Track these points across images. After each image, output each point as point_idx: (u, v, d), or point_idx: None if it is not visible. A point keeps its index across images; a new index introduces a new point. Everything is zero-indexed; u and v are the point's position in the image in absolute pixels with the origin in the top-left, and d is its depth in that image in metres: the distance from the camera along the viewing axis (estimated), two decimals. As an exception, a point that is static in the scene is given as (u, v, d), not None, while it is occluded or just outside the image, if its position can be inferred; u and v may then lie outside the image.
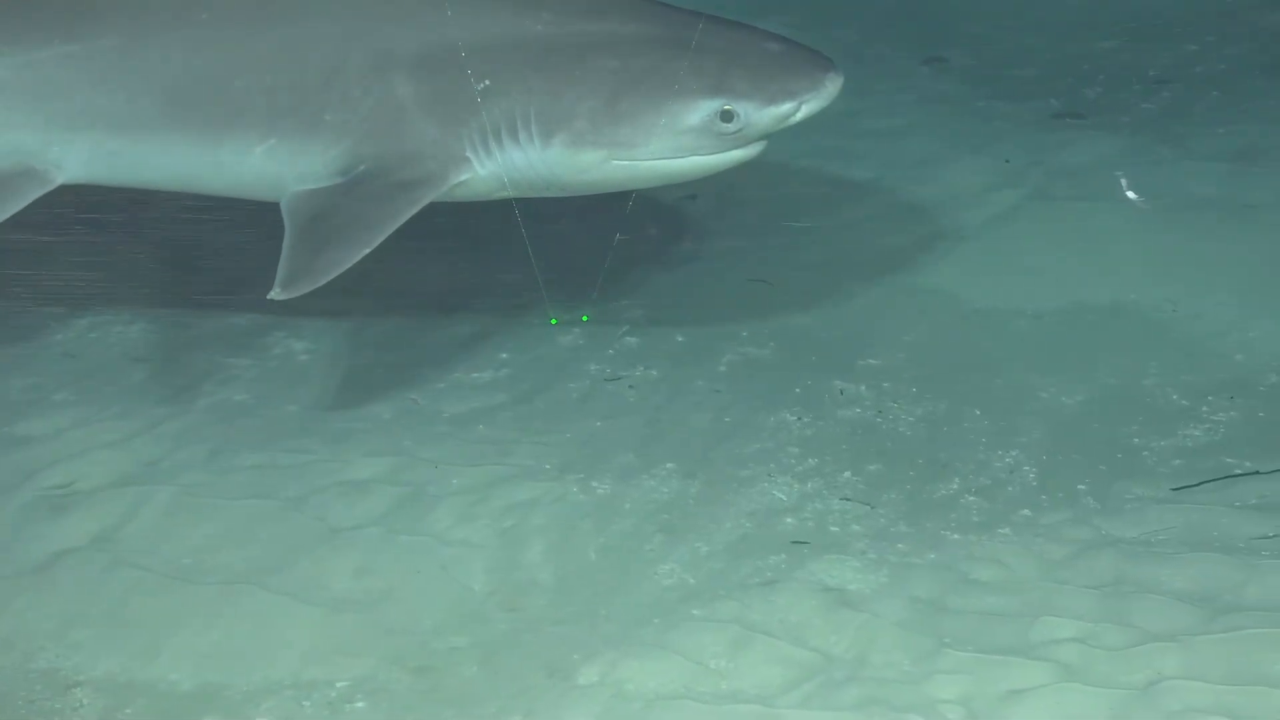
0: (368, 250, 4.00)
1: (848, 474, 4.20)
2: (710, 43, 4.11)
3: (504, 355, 4.86)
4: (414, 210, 4.08)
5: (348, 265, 3.98)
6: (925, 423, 4.49)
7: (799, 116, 4.14)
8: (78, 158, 4.33)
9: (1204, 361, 4.66)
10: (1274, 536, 3.69)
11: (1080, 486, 4.09)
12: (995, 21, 8.00)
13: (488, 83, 4.08)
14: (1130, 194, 4.66)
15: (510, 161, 4.14)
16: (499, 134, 4.10)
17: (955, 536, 3.89)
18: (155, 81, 4.23)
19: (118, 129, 4.28)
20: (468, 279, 5.26)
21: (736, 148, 4.18)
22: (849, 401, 4.60)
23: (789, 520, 3.97)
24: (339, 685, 3.43)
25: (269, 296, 3.93)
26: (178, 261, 5.37)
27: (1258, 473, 4.01)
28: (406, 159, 4.14)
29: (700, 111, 4.05)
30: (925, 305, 5.15)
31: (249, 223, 5.10)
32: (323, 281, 3.95)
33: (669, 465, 4.24)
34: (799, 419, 4.49)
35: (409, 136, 4.14)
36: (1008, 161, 5.97)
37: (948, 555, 3.79)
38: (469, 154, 4.14)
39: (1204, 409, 4.42)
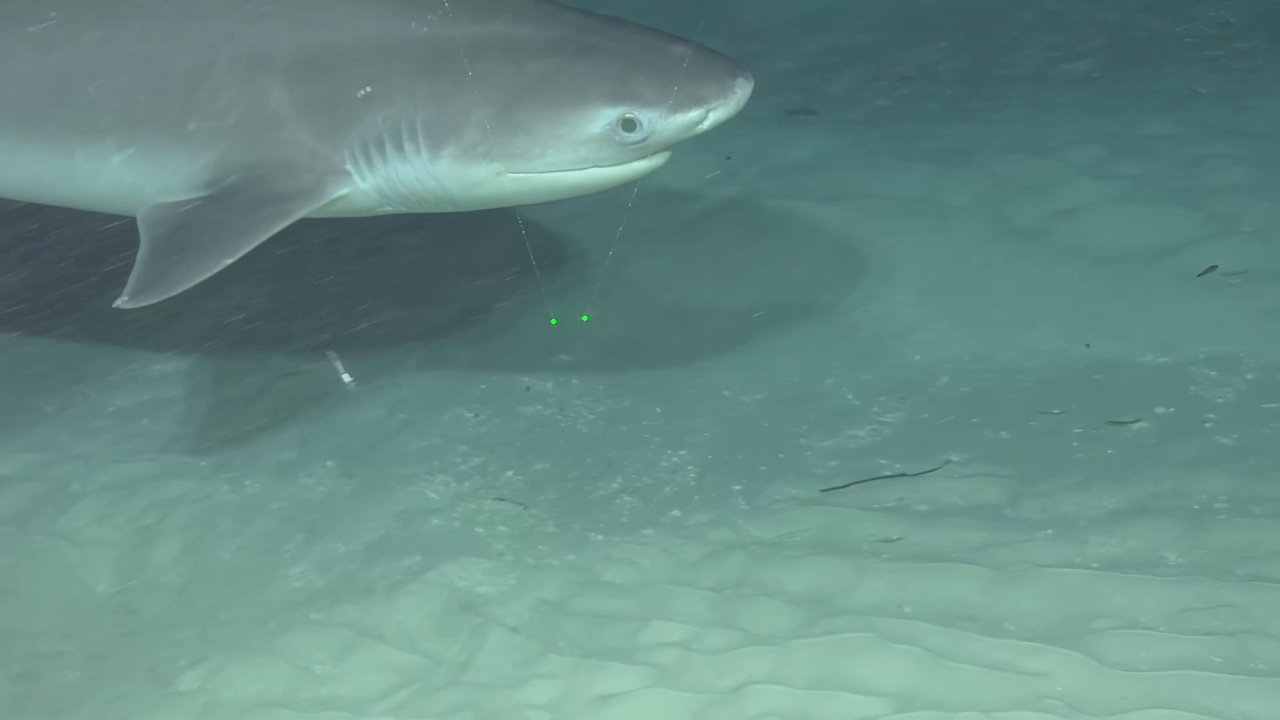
0: (229, 262, 3.71)
1: (510, 473, 4.19)
2: (611, 46, 3.84)
3: (183, 347, 4.76)
4: (283, 225, 3.78)
5: (204, 277, 3.69)
6: (604, 420, 4.50)
7: (706, 125, 3.84)
8: None
9: (883, 361, 4.71)
10: (897, 540, 3.74)
11: (736, 487, 4.11)
12: (764, 11, 8.02)
13: (369, 89, 3.79)
14: (345, 376, 4.60)
15: (395, 175, 3.85)
16: (382, 145, 3.81)
17: (599, 538, 3.89)
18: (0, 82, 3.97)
19: None
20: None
21: (640, 158, 3.89)
22: (533, 398, 4.59)
23: (435, 521, 3.95)
24: (-66, 692, 3.33)
25: (115, 305, 3.66)
26: None
27: (904, 475, 4.06)
28: (279, 171, 3.83)
29: (601, 120, 3.75)
30: (625, 300, 5.15)
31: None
32: (175, 292, 3.67)
33: (329, 463, 4.20)
34: (476, 416, 4.47)
35: (282, 147, 3.84)
36: (729, 158, 5.99)
37: (586, 557, 3.79)
38: (348, 166, 3.85)
39: (874, 409, 4.47)
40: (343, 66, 3.81)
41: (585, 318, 4.88)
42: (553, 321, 4.83)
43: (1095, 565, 3.48)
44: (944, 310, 4.91)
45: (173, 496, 3.99)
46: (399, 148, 3.81)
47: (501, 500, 4.05)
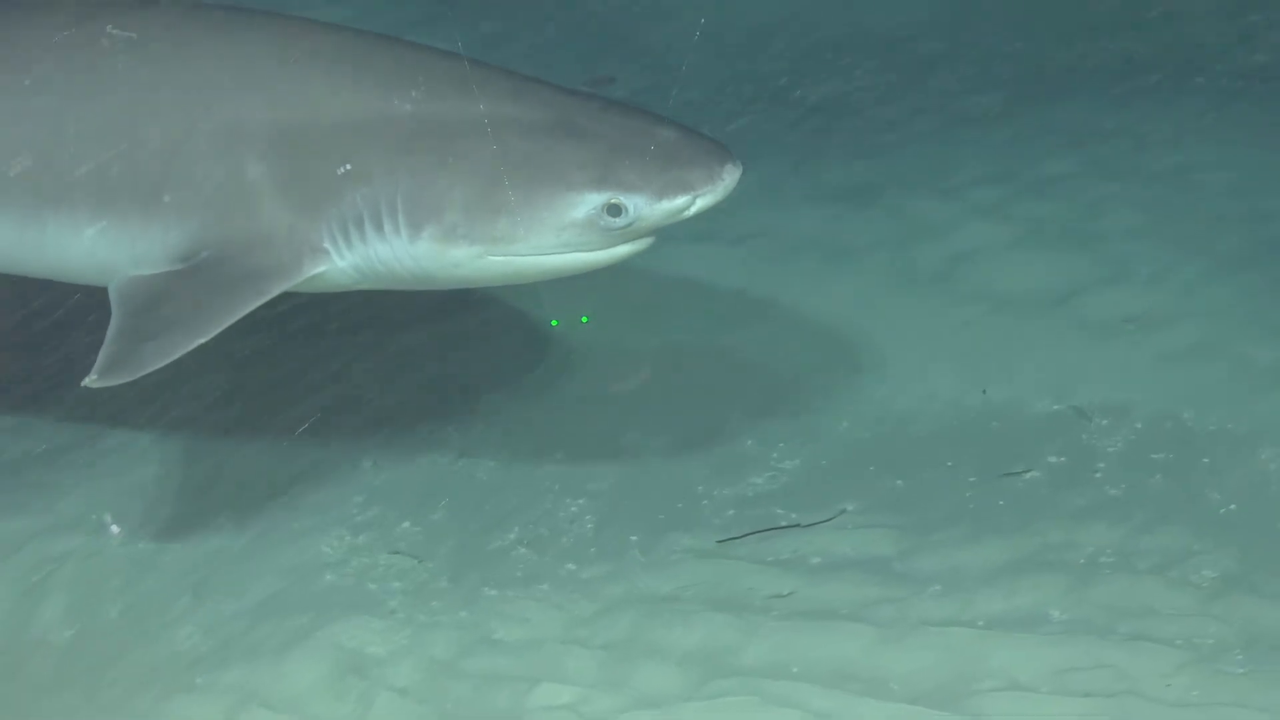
0: (203, 340, 3.59)
1: (407, 524, 4.17)
2: (597, 128, 3.75)
3: (77, 393, 4.69)
4: (260, 302, 3.70)
5: (177, 356, 3.58)
6: (505, 467, 4.48)
7: (693, 211, 3.74)
8: None
9: (785, 406, 4.72)
10: (788, 595, 3.76)
11: (633, 538, 4.11)
12: (676, 39, 8.02)
13: (350, 165, 3.69)
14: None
15: (373, 254, 3.75)
16: (361, 223, 3.71)
17: (493, 593, 3.88)
18: None
19: None
20: (48, 317, 5.09)
21: (624, 243, 3.81)
22: (435, 444, 4.57)
23: (329, 577, 3.93)
24: None
25: (83, 384, 3.52)
26: None
27: (799, 525, 4.08)
28: (256, 246, 3.74)
29: (586, 205, 3.65)
30: (529, 343, 5.14)
31: None
32: (146, 371, 3.55)
33: (223, 516, 4.17)
34: (375, 464, 4.44)
35: (260, 222, 3.74)
36: (634, 197, 5.98)
37: (478, 613, 3.79)
38: (327, 244, 3.76)
39: (774, 455, 4.47)
40: (322, 143, 3.73)
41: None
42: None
43: (980, 623, 3.51)
44: (845, 355, 4.93)
45: (61, 552, 3.95)
46: (378, 227, 3.72)
47: (397, 553, 4.03)
